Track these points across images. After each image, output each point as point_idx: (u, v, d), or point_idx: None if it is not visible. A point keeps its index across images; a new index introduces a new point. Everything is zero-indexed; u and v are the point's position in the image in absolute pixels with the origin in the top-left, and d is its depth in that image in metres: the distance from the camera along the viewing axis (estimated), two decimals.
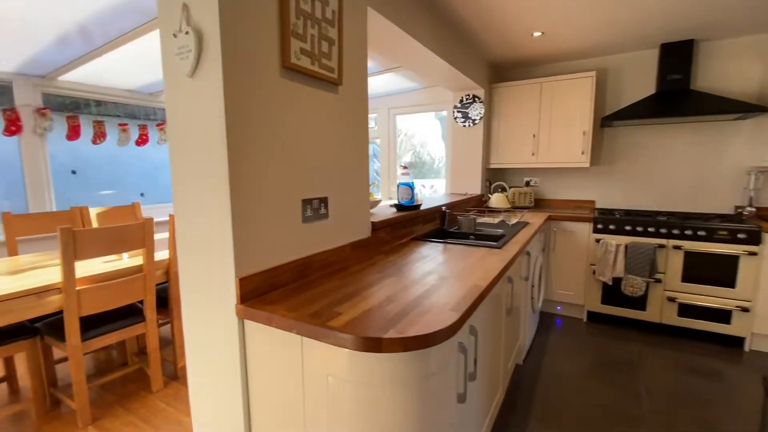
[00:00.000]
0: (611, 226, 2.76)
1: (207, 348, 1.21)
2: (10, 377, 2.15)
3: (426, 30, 2.18)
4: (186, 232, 1.19)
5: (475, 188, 3.37)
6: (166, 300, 2.25)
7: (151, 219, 2.01)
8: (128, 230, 1.92)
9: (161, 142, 3.70)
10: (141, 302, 2.12)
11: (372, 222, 1.73)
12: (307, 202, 1.33)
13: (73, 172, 3.31)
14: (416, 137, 4.02)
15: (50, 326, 1.90)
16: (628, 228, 2.71)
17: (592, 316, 2.99)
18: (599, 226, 2.80)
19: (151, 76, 3.08)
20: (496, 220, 2.48)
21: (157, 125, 3.63)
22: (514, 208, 3.21)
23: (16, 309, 1.64)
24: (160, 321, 2.25)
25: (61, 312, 1.79)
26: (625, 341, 2.68)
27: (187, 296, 1.23)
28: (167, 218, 3.61)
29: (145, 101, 3.56)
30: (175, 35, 1.07)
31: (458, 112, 3.29)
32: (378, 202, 2.23)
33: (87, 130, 3.15)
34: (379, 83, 3.54)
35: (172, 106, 1.15)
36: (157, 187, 4.01)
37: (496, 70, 3.52)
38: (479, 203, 3.28)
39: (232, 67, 1.03)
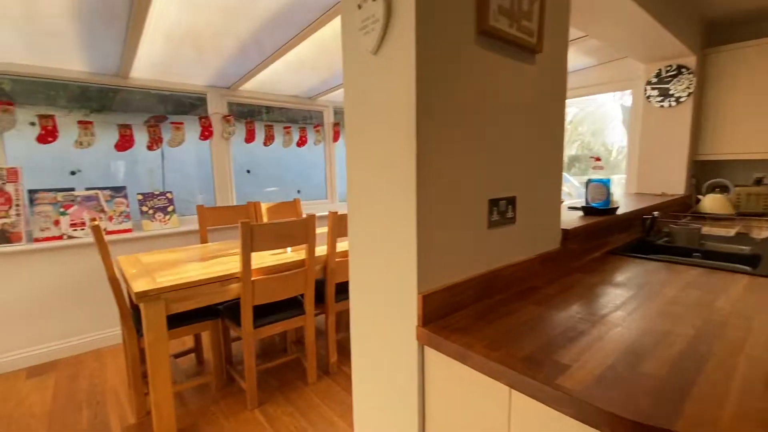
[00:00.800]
0: None
1: (375, 366, 1.05)
2: (198, 350, 2.48)
3: None
4: (359, 235, 1.04)
5: (675, 187, 2.60)
6: (322, 294, 2.28)
7: (314, 216, 2.03)
8: (294, 226, 1.97)
9: (317, 144, 3.94)
10: (301, 296, 2.18)
11: (563, 229, 1.36)
12: (493, 203, 1.06)
13: (248, 171, 3.77)
14: (584, 125, 3.37)
15: (228, 309, 2.09)
16: None
17: None
18: None
19: (311, 80, 3.27)
20: (731, 232, 1.78)
21: (314, 127, 3.88)
22: (740, 215, 2.34)
23: (206, 293, 1.81)
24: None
25: (237, 298, 1.93)
26: None
27: (357, 304, 1.09)
28: (320, 214, 3.82)
29: (306, 105, 3.84)
30: (359, 6, 0.92)
31: (653, 88, 2.57)
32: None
33: (260, 135, 3.53)
34: None
35: (351, 91, 1.01)
36: (309, 185, 4.30)
37: (711, 30, 2.65)
38: (684, 207, 2.50)
39: (425, 35, 0.82)
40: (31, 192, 2.56)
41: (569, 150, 3.50)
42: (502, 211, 1.09)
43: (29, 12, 1.81)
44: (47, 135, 2.58)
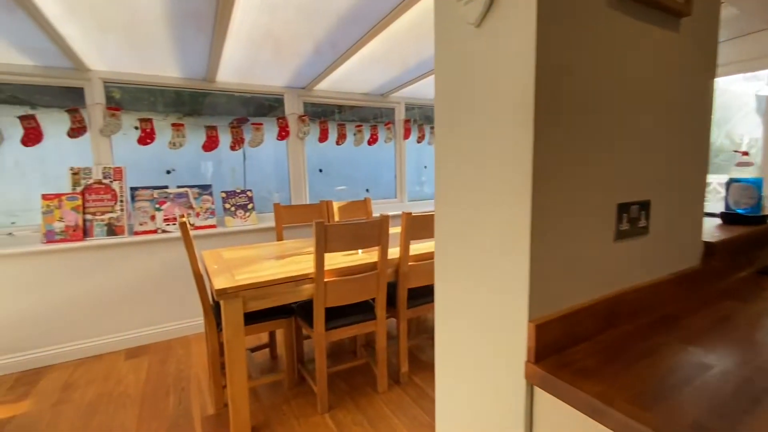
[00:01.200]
0: None
1: (465, 403, 0.89)
2: (272, 345, 2.53)
3: None
4: (451, 245, 0.89)
5: None
6: (392, 299, 2.18)
7: (387, 217, 1.93)
8: (368, 226, 1.89)
9: (387, 142, 3.86)
10: (372, 300, 2.09)
11: (705, 242, 1.08)
12: (623, 209, 0.84)
13: (320, 171, 3.82)
14: None
15: (301, 309, 2.07)
16: None
17: None
18: None
19: (383, 76, 3.19)
20: None
21: (385, 125, 3.80)
22: None
23: (281, 293, 1.80)
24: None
25: (310, 299, 1.90)
26: None
27: (445, 327, 0.95)
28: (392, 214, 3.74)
29: (377, 102, 3.77)
30: None
31: None
32: None
33: (332, 134, 3.54)
34: None
35: (445, 75, 0.87)
36: (378, 184, 4.24)
37: None
38: None
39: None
40: (133, 189, 2.82)
41: None
42: (633, 218, 0.87)
43: (132, 20, 1.94)
44: (146, 137, 2.81)
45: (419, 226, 2.05)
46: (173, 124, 2.89)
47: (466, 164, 0.83)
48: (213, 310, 1.95)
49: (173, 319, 2.89)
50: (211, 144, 3.05)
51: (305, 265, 1.98)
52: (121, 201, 2.72)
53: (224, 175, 3.33)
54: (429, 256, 2.20)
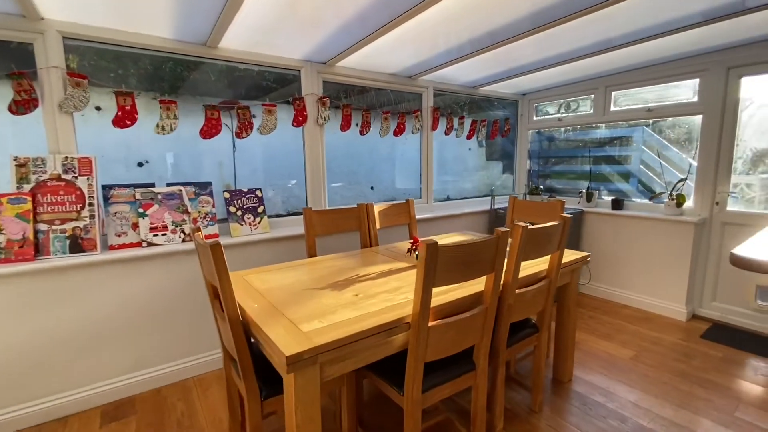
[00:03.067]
0: None
1: None
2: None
3: None
4: None
5: None
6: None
7: (506, 233, 1.40)
8: (483, 248, 1.34)
9: (416, 132, 3.30)
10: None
11: None
12: None
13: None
14: None
15: (378, 365, 1.49)
16: None
17: None
18: None
19: (414, 57, 2.63)
20: None
21: (414, 113, 3.24)
22: None
23: (369, 348, 1.22)
24: None
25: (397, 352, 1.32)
26: None
27: None
28: (419, 217, 3.21)
29: (405, 86, 3.20)
30: None
31: None
32: None
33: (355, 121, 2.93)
34: (715, 31, 2.26)
35: None
36: (381, 180, 3.62)
37: None
38: None
39: None
40: (105, 188, 2.07)
41: (752, 141, 2.70)
42: None
43: None
44: (125, 116, 2.07)
45: (538, 241, 1.53)
46: (162, 101, 2.16)
47: None
48: (255, 373, 1.33)
49: (167, 361, 2.18)
50: (210, 129, 2.35)
51: (384, 299, 1.40)
52: (91, 205, 1.97)
53: (206, 169, 2.58)
54: (534, 280, 1.70)
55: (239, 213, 2.43)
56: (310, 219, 2.15)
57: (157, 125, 2.17)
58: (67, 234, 1.91)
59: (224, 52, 2.34)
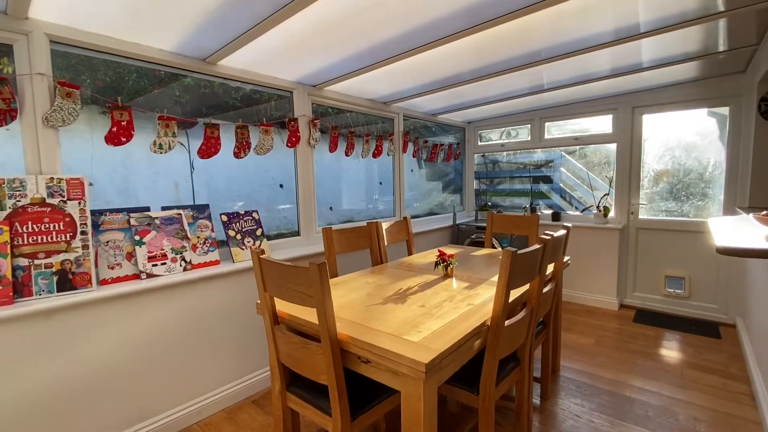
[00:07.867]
0: None
1: None
2: None
3: None
4: None
5: None
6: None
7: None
8: (537, 252, 1.56)
9: (390, 154, 3.48)
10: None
11: None
12: None
13: (281, 186, 3.17)
14: (672, 140, 3.40)
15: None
16: None
17: None
18: None
19: (390, 88, 2.88)
20: None
21: (389, 135, 3.42)
22: None
23: (467, 350, 1.32)
24: None
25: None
26: None
27: None
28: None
29: (379, 111, 3.37)
30: None
31: None
32: None
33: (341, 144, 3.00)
34: (620, 82, 2.98)
35: None
36: (340, 200, 3.67)
37: None
38: None
39: None
40: (94, 213, 1.80)
41: (655, 164, 3.51)
42: None
43: None
44: (120, 132, 1.84)
45: (553, 251, 1.81)
46: (161, 117, 1.97)
47: None
48: (347, 393, 1.31)
49: (172, 406, 1.92)
50: (209, 148, 2.20)
51: (452, 308, 1.52)
52: (84, 233, 1.69)
53: (160, 189, 2.33)
54: (545, 283, 1.97)
55: (239, 237, 2.29)
56: (330, 238, 2.15)
57: (154, 143, 1.97)
58: (53, 269, 1.61)
59: (222, 69, 2.24)
